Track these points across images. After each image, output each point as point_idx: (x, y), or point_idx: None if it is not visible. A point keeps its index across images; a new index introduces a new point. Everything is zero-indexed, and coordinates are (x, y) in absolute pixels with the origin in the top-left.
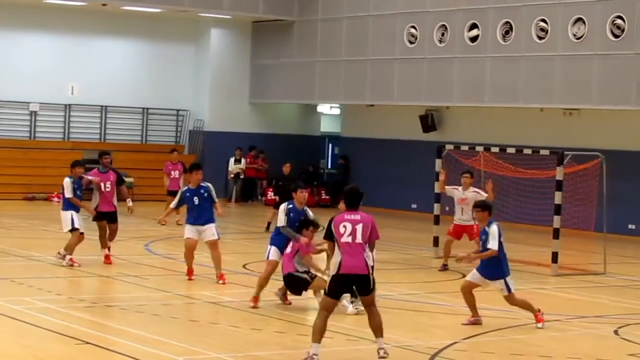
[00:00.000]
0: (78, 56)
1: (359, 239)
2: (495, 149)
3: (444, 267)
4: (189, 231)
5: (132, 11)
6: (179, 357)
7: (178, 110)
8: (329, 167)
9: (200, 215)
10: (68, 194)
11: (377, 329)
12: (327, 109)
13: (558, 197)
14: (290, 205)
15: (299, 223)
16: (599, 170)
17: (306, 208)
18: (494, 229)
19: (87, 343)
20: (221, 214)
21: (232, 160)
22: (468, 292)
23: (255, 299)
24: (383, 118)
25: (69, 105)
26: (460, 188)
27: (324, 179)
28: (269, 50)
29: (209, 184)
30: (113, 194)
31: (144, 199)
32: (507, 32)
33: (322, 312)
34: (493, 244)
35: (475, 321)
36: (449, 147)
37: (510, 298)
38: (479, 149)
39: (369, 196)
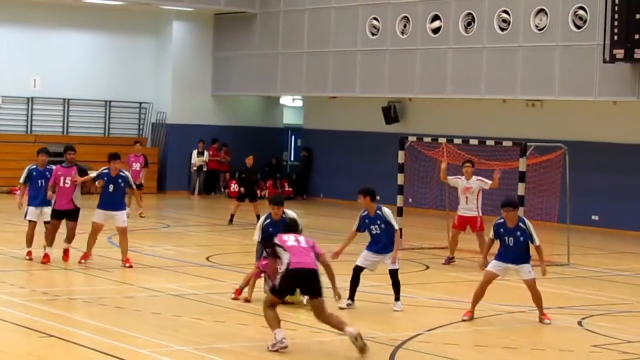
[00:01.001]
0: (40, 49)
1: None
2: (458, 141)
3: (449, 260)
4: (99, 216)
5: (94, 4)
6: (142, 350)
7: (141, 103)
8: (292, 159)
9: (112, 201)
10: (21, 180)
11: (341, 324)
12: (290, 101)
13: (521, 189)
14: (268, 220)
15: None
16: (562, 162)
17: (285, 215)
18: (529, 223)
19: (50, 336)
20: (142, 205)
21: (195, 152)
22: (486, 287)
23: (238, 291)
24: (345, 110)
25: (32, 98)
26: (463, 177)
27: (287, 171)
28: (231, 43)
29: (128, 174)
30: (73, 190)
31: None
32: (469, 24)
33: (269, 308)
34: (537, 239)
35: (472, 317)
36: (411, 138)
37: (532, 284)
38: (442, 140)
39: (331, 188)
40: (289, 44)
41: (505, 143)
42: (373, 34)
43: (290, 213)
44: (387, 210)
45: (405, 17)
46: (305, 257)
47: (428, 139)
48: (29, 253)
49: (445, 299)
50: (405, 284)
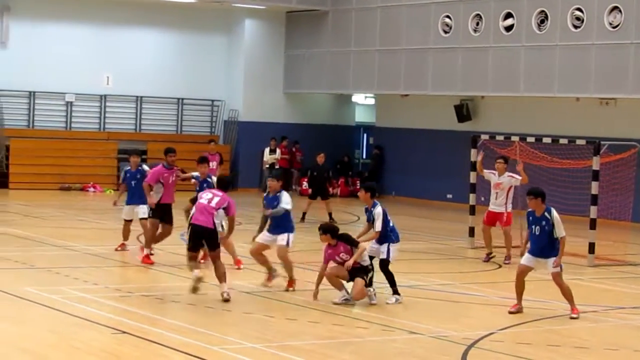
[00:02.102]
0: (113, 47)
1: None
2: (530, 139)
3: (488, 258)
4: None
5: (167, 2)
6: (214, 347)
7: (213, 101)
8: (364, 157)
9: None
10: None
11: (222, 277)
12: (362, 98)
13: (595, 187)
14: (264, 194)
15: None
16: (635, 160)
17: (279, 194)
18: (556, 215)
19: (123, 332)
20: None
21: (267, 150)
22: (523, 278)
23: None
24: (418, 108)
25: (105, 95)
26: (496, 173)
27: (359, 169)
28: (303, 41)
29: (215, 178)
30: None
31: (178, 188)
32: (542, 21)
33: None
34: (560, 232)
35: (519, 309)
36: (484, 137)
37: (559, 279)
38: (515, 138)
39: (403, 187)
40: (361, 42)
41: (578, 141)
42: (445, 32)
43: (285, 195)
44: (378, 210)
45: (478, 14)
46: (202, 215)
47: (500, 137)
48: (122, 245)
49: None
50: (476, 282)
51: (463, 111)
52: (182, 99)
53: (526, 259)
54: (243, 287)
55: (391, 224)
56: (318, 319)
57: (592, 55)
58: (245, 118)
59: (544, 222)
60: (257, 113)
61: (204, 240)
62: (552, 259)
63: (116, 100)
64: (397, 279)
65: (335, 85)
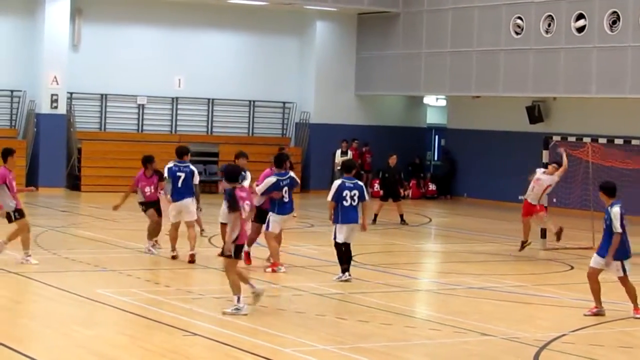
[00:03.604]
0: (184, 49)
1: None
2: (602, 140)
3: (522, 247)
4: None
5: (238, 4)
6: (286, 349)
7: (284, 103)
8: (435, 159)
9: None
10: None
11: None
12: (433, 100)
13: None
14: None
15: None
16: None
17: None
18: (615, 210)
19: (194, 334)
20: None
21: (338, 152)
22: (594, 280)
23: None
24: (489, 109)
25: (176, 98)
26: (543, 171)
27: (430, 170)
28: (375, 42)
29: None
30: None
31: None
32: (614, 22)
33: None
34: (617, 226)
35: (598, 312)
36: (556, 138)
37: (623, 280)
38: (587, 140)
39: (475, 188)
40: (432, 44)
41: None
42: (517, 33)
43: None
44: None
45: (550, 16)
46: None
47: (572, 139)
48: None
49: (589, 300)
50: (548, 284)
51: (535, 112)
52: (254, 101)
53: (594, 260)
54: (315, 289)
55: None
56: (390, 321)
57: None
58: (316, 120)
59: (606, 216)
60: (329, 115)
61: None
62: (617, 263)
63: (188, 103)
64: (469, 280)
65: (406, 87)
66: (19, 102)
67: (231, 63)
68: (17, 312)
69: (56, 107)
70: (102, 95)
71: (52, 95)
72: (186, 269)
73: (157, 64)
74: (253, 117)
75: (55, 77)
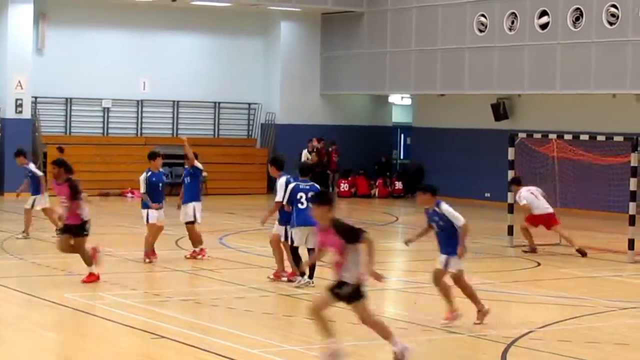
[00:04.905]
0: (149, 52)
1: None
2: (568, 136)
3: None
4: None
5: (202, 6)
6: (254, 350)
7: (249, 104)
8: (401, 157)
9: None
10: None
11: None
12: (399, 99)
13: (633, 184)
14: (149, 173)
15: None
16: None
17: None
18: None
19: (162, 337)
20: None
21: (304, 152)
22: (440, 281)
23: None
24: (454, 107)
25: (141, 101)
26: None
27: (397, 169)
28: (339, 42)
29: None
30: None
31: (215, 192)
32: (577, 19)
33: None
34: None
35: (455, 316)
36: (521, 135)
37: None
38: (552, 136)
39: (441, 186)
40: (396, 43)
41: (616, 138)
42: (481, 31)
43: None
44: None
45: (513, 13)
46: None
47: (538, 135)
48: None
49: (557, 296)
50: (516, 281)
51: (500, 110)
52: (219, 102)
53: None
54: (282, 289)
55: None
56: (358, 321)
57: (628, 51)
58: (282, 120)
59: (436, 218)
60: (294, 115)
61: None
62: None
63: (153, 105)
64: None
65: (371, 86)
66: None
67: (196, 65)
68: None
69: (21, 112)
70: (67, 99)
71: (16, 99)
72: (153, 272)
73: (121, 67)
74: (218, 119)
75: (19, 82)
